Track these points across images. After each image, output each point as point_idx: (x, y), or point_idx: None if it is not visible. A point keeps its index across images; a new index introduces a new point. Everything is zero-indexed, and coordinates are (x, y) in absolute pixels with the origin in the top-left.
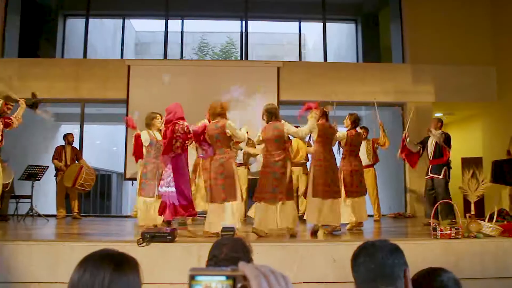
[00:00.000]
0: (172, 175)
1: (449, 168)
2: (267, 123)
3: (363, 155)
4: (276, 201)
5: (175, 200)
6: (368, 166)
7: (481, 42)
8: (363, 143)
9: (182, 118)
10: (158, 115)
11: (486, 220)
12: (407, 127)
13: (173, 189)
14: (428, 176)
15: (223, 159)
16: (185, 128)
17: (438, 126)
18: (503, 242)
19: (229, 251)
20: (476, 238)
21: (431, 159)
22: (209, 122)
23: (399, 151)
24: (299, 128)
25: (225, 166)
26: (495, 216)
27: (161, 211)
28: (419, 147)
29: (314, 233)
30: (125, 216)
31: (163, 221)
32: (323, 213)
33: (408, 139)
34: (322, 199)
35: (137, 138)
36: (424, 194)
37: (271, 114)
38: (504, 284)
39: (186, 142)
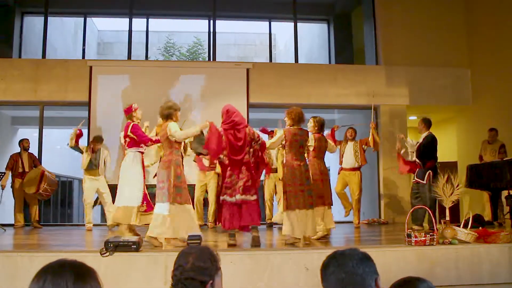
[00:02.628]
0: (250, 182)
1: (435, 172)
2: (318, 133)
3: (351, 157)
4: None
5: (256, 208)
6: (354, 169)
7: (456, 43)
8: (350, 145)
9: None
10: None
11: (461, 226)
12: (398, 142)
13: (255, 197)
14: (414, 180)
15: (306, 165)
16: (255, 135)
17: (423, 127)
18: (478, 248)
19: (195, 261)
20: (451, 244)
21: (417, 163)
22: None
23: (400, 168)
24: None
25: (309, 172)
26: (470, 222)
27: (240, 221)
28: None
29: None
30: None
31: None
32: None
33: (403, 151)
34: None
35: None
36: (410, 199)
37: (323, 126)
38: None
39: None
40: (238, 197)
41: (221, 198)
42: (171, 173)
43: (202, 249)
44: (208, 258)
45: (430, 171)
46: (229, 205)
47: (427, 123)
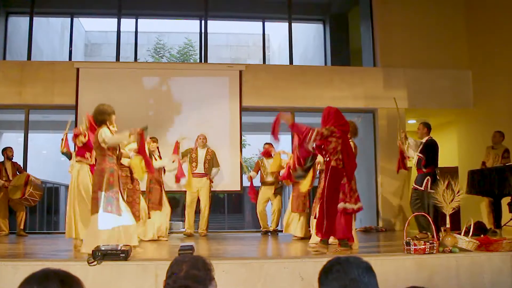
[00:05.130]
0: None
1: (434, 178)
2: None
3: None
4: None
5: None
6: None
7: (456, 44)
8: None
9: None
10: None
11: (462, 233)
12: (399, 130)
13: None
14: (413, 187)
15: None
16: None
17: (424, 132)
18: (480, 256)
19: (189, 268)
20: (452, 252)
21: (416, 168)
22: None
23: (397, 165)
24: None
25: None
26: (471, 230)
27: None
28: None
29: None
30: None
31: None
32: None
33: (407, 142)
34: None
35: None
36: (410, 206)
37: None
38: None
39: None
40: (360, 205)
41: (342, 206)
42: (103, 182)
43: (195, 258)
44: (202, 266)
45: (428, 177)
46: (349, 213)
47: (429, 127)
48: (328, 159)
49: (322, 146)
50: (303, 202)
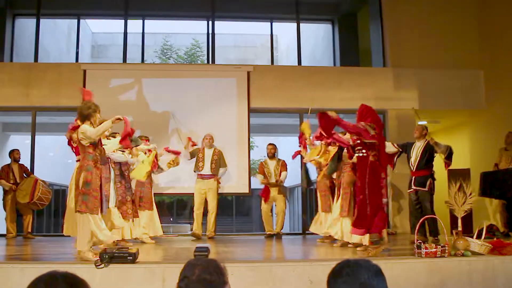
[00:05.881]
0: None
1: (434, 180)
2: None
3: None
4: None
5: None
6: None
7: (468, 44)
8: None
9: None
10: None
11: (475, 236)
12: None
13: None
14: (411, 189)
15: None
16: None
17: (424, 133)
18: (493, 260)
19: (201, 272)
20: (464, 256)
21: (414, 170)
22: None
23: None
24: None
25: None
26: (484, 233)
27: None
28: (395, 149)
29: None
30: None
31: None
32: None
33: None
34: None
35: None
36: (409, 209)
37: None
38: None
39: None
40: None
41: (386, 201)
42: (80, 179)
43: (208, 261)
44: (214, 270)
45: (430, 178)
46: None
47: (426, 130)
48: (366, 154)
49: (360, 141)
50: None
